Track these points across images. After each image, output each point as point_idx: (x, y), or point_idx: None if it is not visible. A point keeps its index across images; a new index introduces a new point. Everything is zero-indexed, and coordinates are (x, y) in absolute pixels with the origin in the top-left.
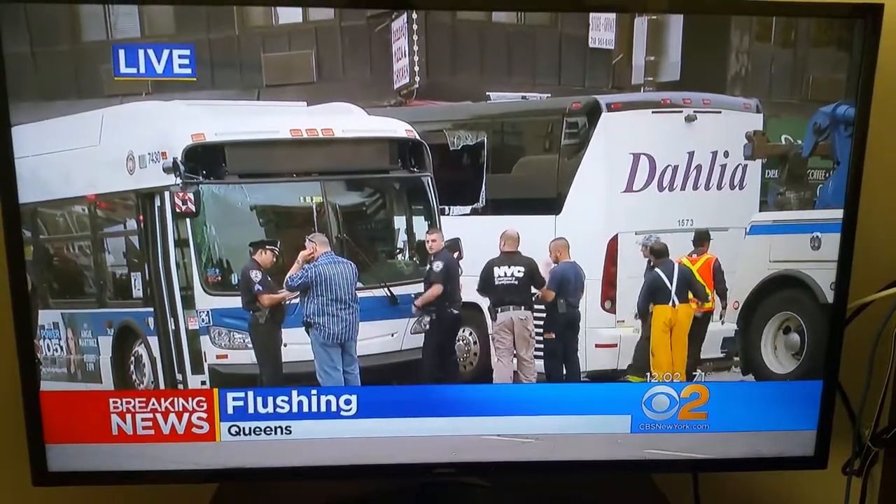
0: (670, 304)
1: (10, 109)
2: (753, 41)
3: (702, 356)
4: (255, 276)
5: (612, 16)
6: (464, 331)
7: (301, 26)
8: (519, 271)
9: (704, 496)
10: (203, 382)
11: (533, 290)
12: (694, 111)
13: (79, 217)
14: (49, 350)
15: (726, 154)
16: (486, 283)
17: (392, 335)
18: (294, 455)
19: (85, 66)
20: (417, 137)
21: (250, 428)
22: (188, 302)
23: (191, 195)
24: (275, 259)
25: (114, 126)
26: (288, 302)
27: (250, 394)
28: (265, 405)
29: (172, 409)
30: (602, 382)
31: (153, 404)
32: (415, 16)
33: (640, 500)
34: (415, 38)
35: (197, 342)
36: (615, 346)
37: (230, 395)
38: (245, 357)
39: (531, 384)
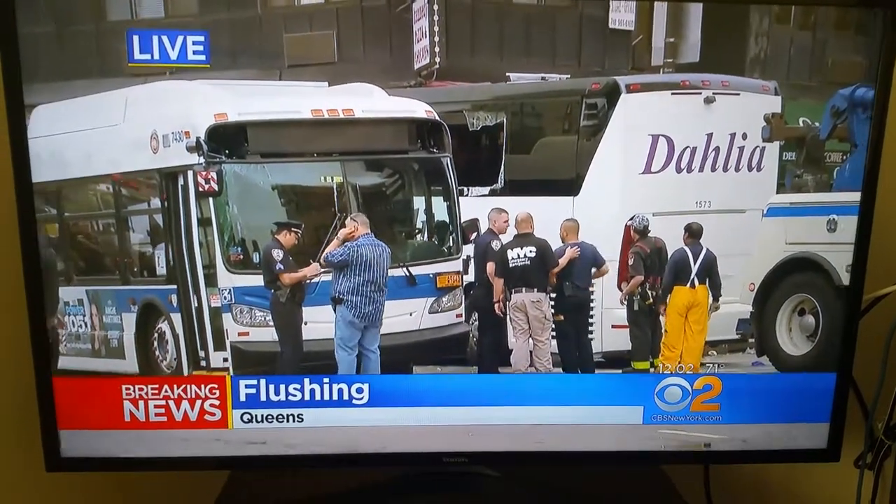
0: (689, 285)
1: (33, 89)
2: (773, 24)
3: (716, 338)
4: (277, 255)
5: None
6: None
7: (323, 7)
8: (531, 252)
9: (715, 488)
10: (225, 359)
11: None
12: (713, 93)
13: (103, 195)
14: (73, 326)
15: (744, 136)
16: (501, 266)
17: (411, 314)
18: (306, 443)
19: (108, 46)
20: (437, 118)
21: (262, 415)
22: (210, 280)
23: (213, 174)
24: (297, 240)
25: (137, 105)
26: (308, 281)
27: (262, 381)
28: (277, 393)
29: (185, 397)
30: (617, 365)
31: (166, 391)
32: None
33: (651, 491)
34: (435, 18)
35: (219, 319)
36: (628, 326)
37: (242, 383)
38: (266, 334)
39: (543, 374)
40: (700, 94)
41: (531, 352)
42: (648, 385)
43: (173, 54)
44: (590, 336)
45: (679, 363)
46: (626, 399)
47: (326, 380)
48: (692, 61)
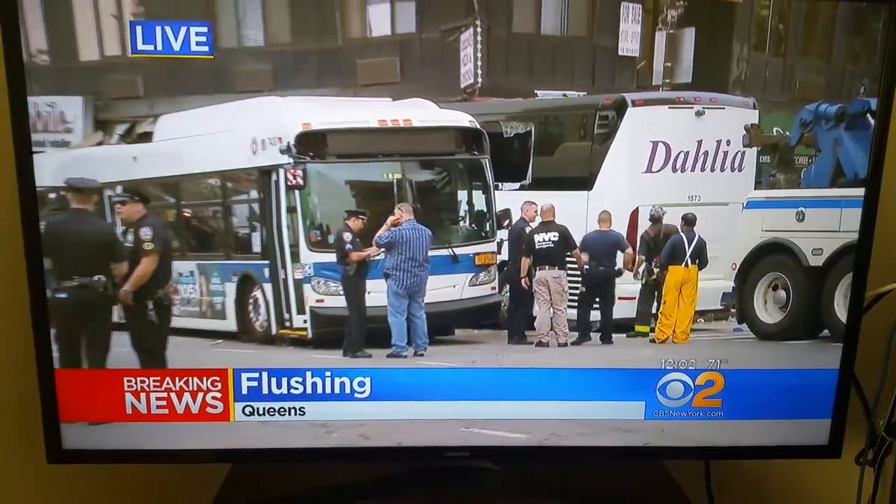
0: (684, 264)
1: (158, 101)
2: (751, 51)
3: (704, 308)
4: (347, 237)
5: (639, 29)
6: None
7: (389, 38)
8: (554, 236)
9: (716, 484)
10: (305, 321)
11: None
12: (703, 107)
13: (212, 188)
14: (185, 293)
15: (728, 142)
16: (528, 247)
17: (453, 286)
18: (307, 436)
19: (222, 67)
20: (478, 127)
21: (264, 408)
22: (295, 257)
23: (300, 172)
24: (363, 225)
25: (241, 116)
26: (371, 259)
27: (264, 374)
28: (279, 386)
29: (187, 389)
30: (622, 330)
31: (167, 383)
32: (479, 29)
33: (652, 486)
34: (478, 46)
35: (301, 289)
36: (634, 298)
37: (244, 376)
38: (338, 301)
39: (545, 369)
40: (692, 108)
41: (551, 319)
42: (650, 380)
43: (176, 45)
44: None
45: (673, 329)
46: (627, 394)
47: (328, 373)
48: (686, 81)
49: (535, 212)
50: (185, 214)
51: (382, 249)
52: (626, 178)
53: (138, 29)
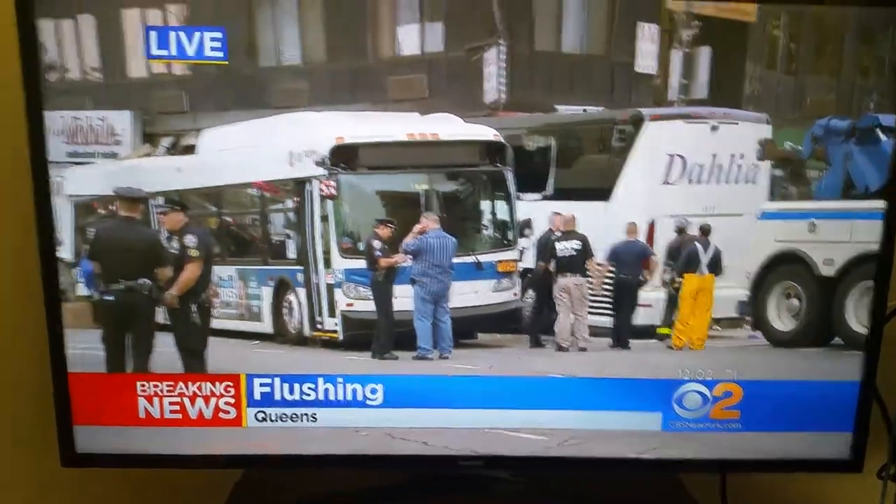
0: (699, 273)
1: (201, 116)
2: (764, 69)
3: (721, 316)
4: (377, 244)
5: (655, 47)
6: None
7: (418, 57)
8: (577, 245)
9: (732, 497)
10: (336, 324)
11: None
12: (717, 122)
13: (251, 197)
14: (225, 296)
15: (742, 156)
16: (550, 256)
17: (477, 292)
18: (318, 443)
19: (261, 84)
20: (502, 140)
21: (277, 414)
22: (327, 263)
23: (333, 182)
24: (391, 233)
25: (279, 130)
26: (399, 265)
27: (277, 380)
28: (292, 392)
29: (200, 394)
30: (643, 335)
31: (181, 388)
32: (502, 48)
33: (667, 499)
34: (502, 65)
35: (332, 293)
36: (650, 306)
37: (257, 381)
38: (367, 305)
39: (559, 377)
40: (707, 122)
41: (572, 325)
42: (668, 390)
43: (190, 50)
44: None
45: (689, 335)
46: (644, 405)
47: (340, 379)
48: (701, 97)
49: (563, 221)
50: (226, 222)
51: (409, 256)
52: (643, 189)
53: (152, 34)
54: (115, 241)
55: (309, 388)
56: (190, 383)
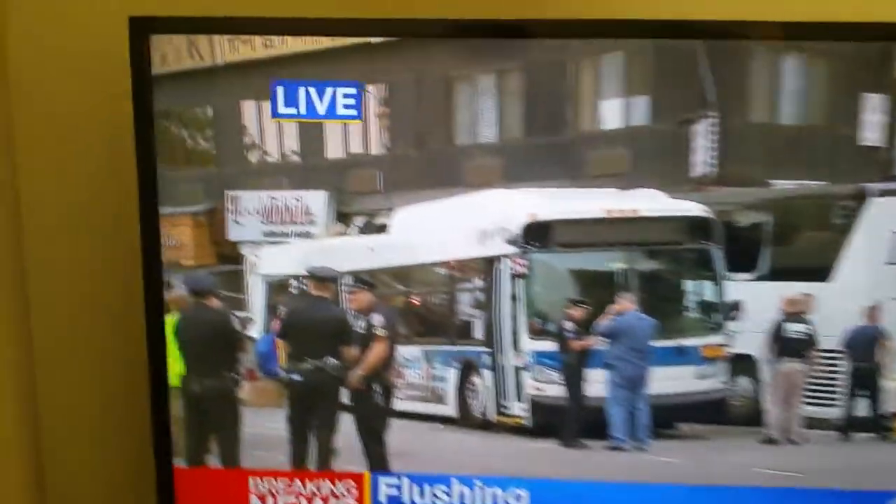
0: None
1: (393, 195)
2: None
3: None
4: (569, 326)
5: (882, 119)
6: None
7: (621, 131)
8: (808, 328)
9: None
10: (523, 409)
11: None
12: None
13: (440, 276)
14: (411, 377)
15: None
16: (776, 338)
17: (679, 379)
18: None
19: (455, 162)
20: (710, 216)
21: None
22: (515, 344)
23: (524, 261)
24: (585, 314)
25: (470, 208)
26: (593, 348)
27: (405, 480)
28: (423, 495)
29: (318, 494)
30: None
31: (297, 486)
32: (714, 120)
33: None
34: (712, 137)
35: (520, 377)
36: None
37: (383, 482)
38: (557, 390)
39: (761, 488)
40: None
41: (786, 416)
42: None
43: (321, 108)
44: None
45: None
46: None
47: (479, 483)
48: None
49: (792, 304)
50: (414, 302)
51: (604, 339)
52: (866, 269)
53: (279, 90)
54: (305, 320)
55: (442, 491)
56: (308, 481)
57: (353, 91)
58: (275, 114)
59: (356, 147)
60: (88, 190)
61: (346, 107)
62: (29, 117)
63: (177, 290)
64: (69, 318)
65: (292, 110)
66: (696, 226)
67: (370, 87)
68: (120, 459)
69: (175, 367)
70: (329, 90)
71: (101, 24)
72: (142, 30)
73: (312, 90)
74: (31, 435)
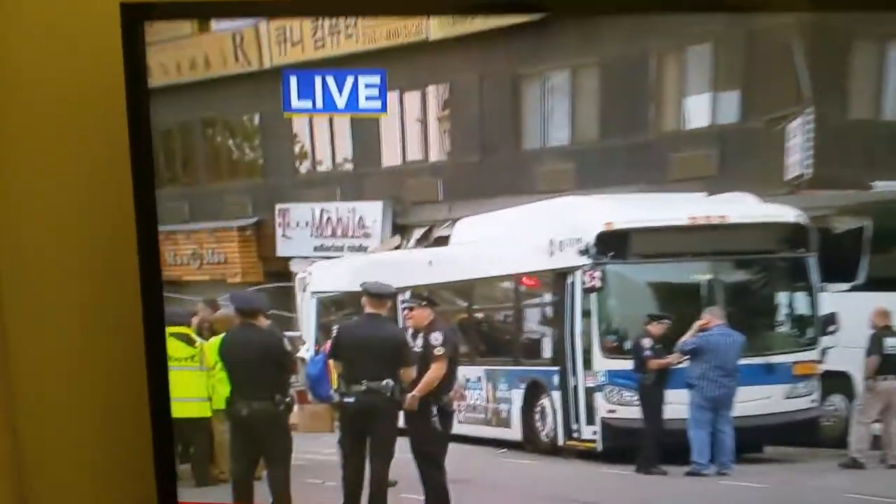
0: None
1: (455, 205)
2: None
3: None
4: (647, 343)
5: None
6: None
7: (706, 130)
8: None
9: None
10: (594, 433)
11: None
12: None
13: (504, 291)
14: (472, 399)
15: None
16: (875, 353)
17: (767, 399)
18: None
19: (523, 168)
20: (805, 222)
21: None
22: (588, 363)
23: (598, 273)
24: (664, 330)
25: (540, 217)
26: (673, 367)
27: None
28: None
29: None
30: None
31: None
32: (809, 117)
33: None
34: (808, 135)
35: (592, 398)
36: None
37: None
38: (632, 412)
39: None
40: None
41: (877, 435)
42: None
43: (340, 102)
44: None
45: None
46: None
47: None
48: None
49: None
50: (476, 319)
51: (686, 357)
52: None
53: (292, 81)
54: (359, 340)
55: None
56: None
57: (376, 80)
58: (287, 107)
59: (414, 153)
60: (87, 190)
61: (369, 98)
62: (22, 114)
63: (224, 308)
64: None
65: (307, 103)
66: (789, 233)
67: (430, 90)
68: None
69: (221, 389)
70: (349, 79)
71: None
72: (134, 16)
73: (330, 80)
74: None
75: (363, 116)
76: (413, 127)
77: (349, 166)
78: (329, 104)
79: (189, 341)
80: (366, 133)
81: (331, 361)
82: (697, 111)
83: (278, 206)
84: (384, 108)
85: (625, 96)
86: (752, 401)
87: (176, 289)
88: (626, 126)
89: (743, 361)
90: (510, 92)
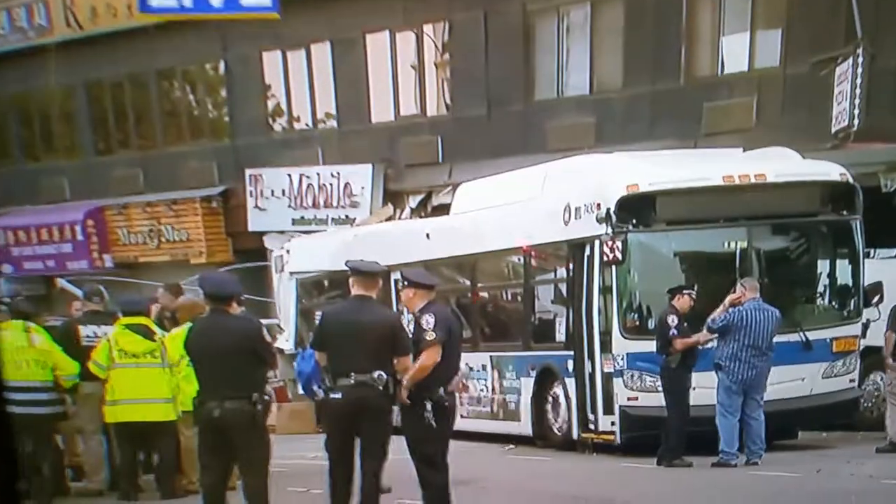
0: None
1: (458, 167)
2: None
3: None
4: (672, 320)
5: None
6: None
7: (745, 75)
8: None
9: None
10: (612, 423)
11: None
12: None
13: (513, 266)
14: (476, 390)
15: None
16: None
17: (802, 380)
18: None
19: (534, 122)
20: (850, 181)
21: None
22: (605, 346)
23: (619, 243)
24: (692, 304)
25: (555, 180)
26: (701, 347)
27: None
28: None
29: None
30: None
31: None
32: (860, 59)
33: None
34: (858, 81)
35: (610, 384)
36: None
37: None
38: (654, 400)
39: None
40: None
41: None
42: None
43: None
44: None
45: None
46: None
47: None
48: None
49: None
50: (479, 298)
51: (715, 335)
52: None
53: None
54: (346, 326)
55: None
56: None
57: None
58: (144, 7)
59: (409, 107)
60: None
61: None
62: None
63: (189, 294)
64: None
65: (172, 2)
66: (833, 193)
67: (426, 28)
68: None
69: (188, 388)
70: None
71: None
72: None
73: None
74: None
75: (250, 16)
76: (407, 75)
77: (332, 123)
78: (201, 3)
79: (148, 334)
80: (351, 83)
81: (318, 354)
82: (734, 53)
83: (249, 172)
84: (275, 6)
85: (652, 36)
86: (786, 382)
87: (131, 272)
88: (653, 72)
89: (778, 339)
90: (520, 31)
